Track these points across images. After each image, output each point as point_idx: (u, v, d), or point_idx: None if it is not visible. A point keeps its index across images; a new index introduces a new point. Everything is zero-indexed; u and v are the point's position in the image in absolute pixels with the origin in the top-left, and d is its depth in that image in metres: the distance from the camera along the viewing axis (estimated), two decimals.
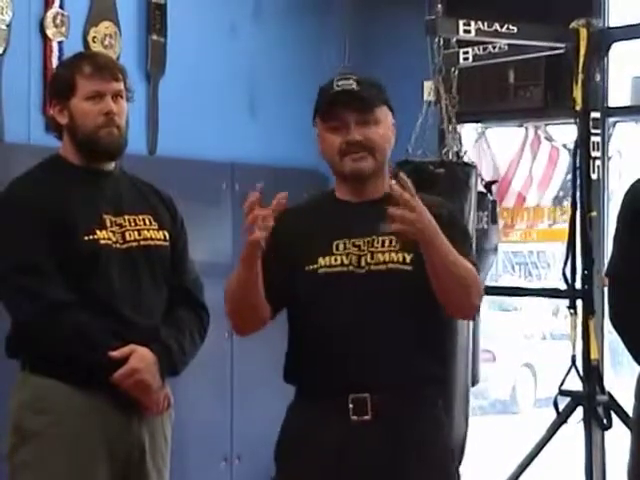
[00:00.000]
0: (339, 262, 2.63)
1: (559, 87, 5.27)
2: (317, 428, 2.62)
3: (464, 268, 2.56)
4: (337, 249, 2.64)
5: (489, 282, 5.29)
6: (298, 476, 2.66)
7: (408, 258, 2.61)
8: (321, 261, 2.63)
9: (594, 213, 4.78)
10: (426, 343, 2.65)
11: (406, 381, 2.62)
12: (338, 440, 2.59)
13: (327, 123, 2.67)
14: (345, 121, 2.64)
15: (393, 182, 2.49)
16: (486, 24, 4.63)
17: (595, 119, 4.80)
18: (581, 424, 4.63)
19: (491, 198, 4.85)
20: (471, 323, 4.47)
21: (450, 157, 4.56)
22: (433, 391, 2.70)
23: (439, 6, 4.63)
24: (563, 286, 4.79)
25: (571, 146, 4.87)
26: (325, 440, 2.60)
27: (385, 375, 2.60)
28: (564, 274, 4.74)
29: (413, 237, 2.47)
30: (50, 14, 4.57)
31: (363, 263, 2.62)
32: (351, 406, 2.58)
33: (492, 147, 6.20)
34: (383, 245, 2.63)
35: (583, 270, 4.72)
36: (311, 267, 2.62)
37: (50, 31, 4.57)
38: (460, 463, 4.46)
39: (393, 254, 2.62)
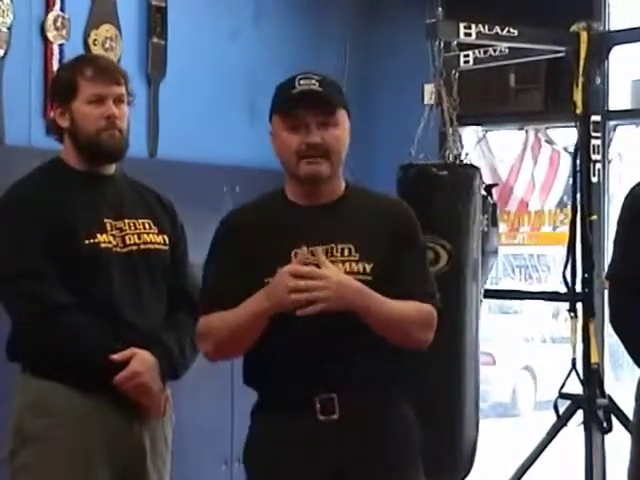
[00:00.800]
0: None
1: (559, 90, 5.27)
2: (284, 430, 2.61)
3: (403, 315, 2.58)
4: (296, 258, 2.57)
5: (489, 285, 5.28)
6: (268, 478, 2.65)
7: (368, 268, 2.59)
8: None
9: (594, 216, 4.79)
10: (390, 347, 2.61)
11: (371, 383, 2.61)
12: (306, 440, 2.58)
13: (286, 122, 2.62)
14: (305, 122, 2.59)
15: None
16: (487, 27, 4.63)
17: (595, 122, 4.80)
18: (581, 427, 4.63)
19: (491, 201, 4.85)
20: (474, 326, 4.45)
21: (451, 160, 4.56)
22: (400, 394, 2.69)
23: (440, 9, 4.63)
24: (563, 289, 4.79)
25: (572, 149, 4.87)
26: (293, 441, 2.59)
27: (350, 377, 2.58)
28: (564, 277, 4.74)
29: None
30: (51, 17, 4.56)
31: None
32: (318, 406, 2.57)
33: (493, 150, 6.21)
34: (342, 254, 2.60)
35: (583, 273, 4.72)
36: (270, 279, 2.55)
37: (51, 34, 4.56)
38: (471, 468, 4.45)
39: (353, 264, 2.59)
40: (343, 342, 2.58)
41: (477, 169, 4.49)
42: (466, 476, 4.45)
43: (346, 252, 2.60)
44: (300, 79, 2.62)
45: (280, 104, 2.65)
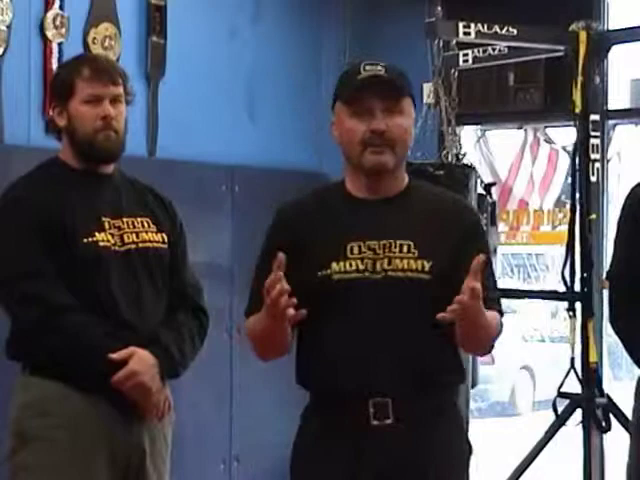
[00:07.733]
0: (354, 267, 2.51)
1: (559, 89, 5.28)
2: (335, 433, 2.53)
3: (491, 327, 2.55)
4: (351, 253, 2.51)
5: None
6: None
7: (427, 266, 2.51)
8: (335, 266, 2.50)
9: (593, 216, 4.78)
10: (443, 349, 2.56)
11: (426, 386, 2.53)
12: (357, 444, 2.51)
13: (350, 108, 2.53)
14: (371, 108, 2.50)
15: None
16: (486, 26, 4.63)
17: (594, 122, 4.80)
18: (580, 426, 4.63)
19: (490, 200, 4.85)
20: None
21: (450, 159, 4.57)
22: (451, 394, 2.65)
23: (439, 8, 4.63)
24: (562, 288, 4.78)
25: (570, 149, 4.87)
26: (344, 445, 2.52)
27: (407, 381, 2.51)
28: (563, 276, 4.74)
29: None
30: (50, 15, 4.57)
31: (379, 268, 2.51)
32: (372, 410, 2.49)
33: (492, 149, 6.21)
34: (401, 251, 2.51)
35: (582, 273, 4.72)
36: (324, 272, 2.50)
37: (50, 32, 4.56)
38: None
39: (412, 261, 2.50)
40: (401, 344, 2.51)
41: (473, 168, 4.50)
42: None
43: (405, 248, 2.51)
44: (366, 65, 2.56)
45: (344, 90, 2.57)
